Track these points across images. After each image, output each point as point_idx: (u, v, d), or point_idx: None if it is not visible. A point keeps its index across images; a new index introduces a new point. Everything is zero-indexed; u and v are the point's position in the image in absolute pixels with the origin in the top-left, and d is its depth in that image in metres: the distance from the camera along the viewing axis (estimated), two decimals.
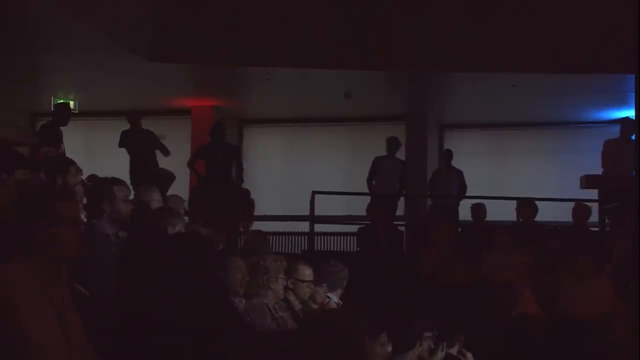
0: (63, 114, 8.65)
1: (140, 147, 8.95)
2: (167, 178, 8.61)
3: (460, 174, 10.27)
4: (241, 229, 8.49)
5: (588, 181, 8.73)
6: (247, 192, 8.82)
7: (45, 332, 2.34)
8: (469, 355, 4.86)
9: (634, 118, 9.20)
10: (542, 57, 8.83)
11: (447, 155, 10.47)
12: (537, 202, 8.36)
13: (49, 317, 2.38)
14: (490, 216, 8.45)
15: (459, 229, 9.02)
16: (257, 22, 9.07)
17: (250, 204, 8.66)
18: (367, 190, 10.07)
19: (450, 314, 6.69)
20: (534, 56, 8.84)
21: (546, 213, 8.73)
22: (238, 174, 8.98)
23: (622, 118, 9.79)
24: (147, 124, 9.45)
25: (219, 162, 8.74)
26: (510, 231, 7.71)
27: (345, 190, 10.89)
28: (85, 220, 4.02)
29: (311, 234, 9.49)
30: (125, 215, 4.05)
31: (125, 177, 7.91)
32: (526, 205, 8.39)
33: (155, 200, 5.92)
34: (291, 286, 4.75)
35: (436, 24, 8.91)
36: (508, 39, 8.82)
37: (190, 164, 9.16)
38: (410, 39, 8.98)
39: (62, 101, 8.93)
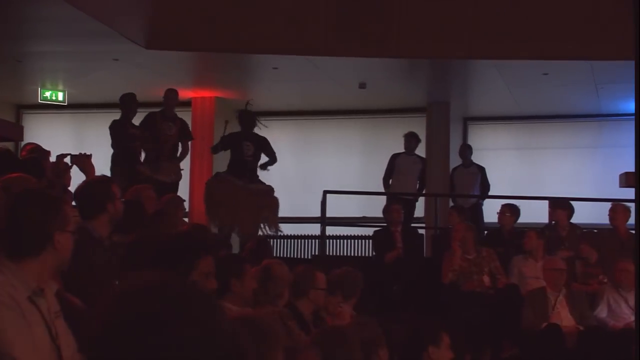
0: (126, 105, 8.70)
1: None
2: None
3: (481, 170, 10.25)
4: (264, 232, 8.44)
5: (628, 179, 8.67)
6: (271, 190, 8.60)
7: (33, 349, 2.37)
8: None
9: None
10: (577, 42, 8.79)
11: (466, 150, 10.45)
12: (572, 203, 8.33)
13: (37, 331, 2.41)
14: (520, 218, 8.43)
15: (485, 232, 9.00)
16: (263, 6, 9.09)
17: (276, 205, 8.53)
18: (383, 190, 10.07)
19: (476, 325, 6.69)
20: (568, 41, 8.81)
21: (582, 215, 8.70)
22: (268, 163, 8.75)
23: None
24: (142, 117, 9.44)
25: (246, 155, 8.51)
26: (542, 235, 7.68)
27: (359, 190, 10.89)
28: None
29: (322, 237, 9.50)
30: (120, 216, 4.11)
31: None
32: (560, 206, 8.35)
33: (150, 200, 5.94)
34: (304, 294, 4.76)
35: (459, 7, 8.89)
36: (538, 22, 8.79)
37: (214, 150, 8.90)
38: (430, 24, 8.96)
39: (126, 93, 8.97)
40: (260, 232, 8.46)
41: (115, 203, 4.02)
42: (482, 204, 10.10)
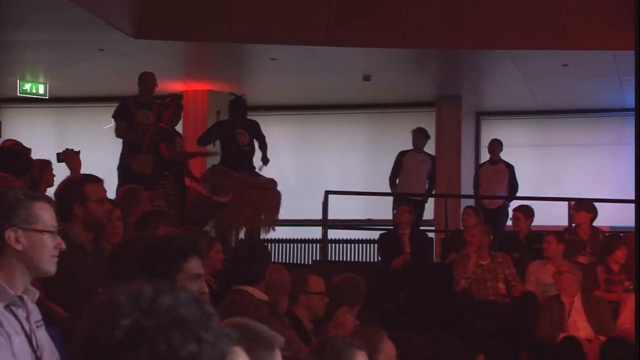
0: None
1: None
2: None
3: (510, 169, 10.15)
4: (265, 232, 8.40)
5: None
6: (274, 182, 8.54)
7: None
8: None
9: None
10: (599, 31, 8.79)
11: (496, 146, 10.31)
12: (594, 204, 8.33)
13: (16, 341, 2.42)
14: (538, 221, 8.43)
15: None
16: None
17: (278, 201, 8.43)
18: (389, 190, 10.07)
19: (491, 336, 6.69)
20: (589, 29, 8.80)
21: (604, 217, 8.70)
22: (264, 157, 8.63)
23: None
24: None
25: (242, 145, 8.39)
26: (562, 239, 7.67)
27: (363, 190, 10.89)
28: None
29: (324, 241, 9.51)
30: (101, 218, 4.03)
31: (104, 173, 7.90)
32: (581, 208, 8.35)
33: (140, 200, 5.94)
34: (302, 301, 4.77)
35: None
36: (557, 9, 8.79)
37: (202, 142, 8.69)
38: (440, 11, 8.96)
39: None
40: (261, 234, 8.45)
41: (87, 205, 3.92)
42: (508, 206, 9.98)
